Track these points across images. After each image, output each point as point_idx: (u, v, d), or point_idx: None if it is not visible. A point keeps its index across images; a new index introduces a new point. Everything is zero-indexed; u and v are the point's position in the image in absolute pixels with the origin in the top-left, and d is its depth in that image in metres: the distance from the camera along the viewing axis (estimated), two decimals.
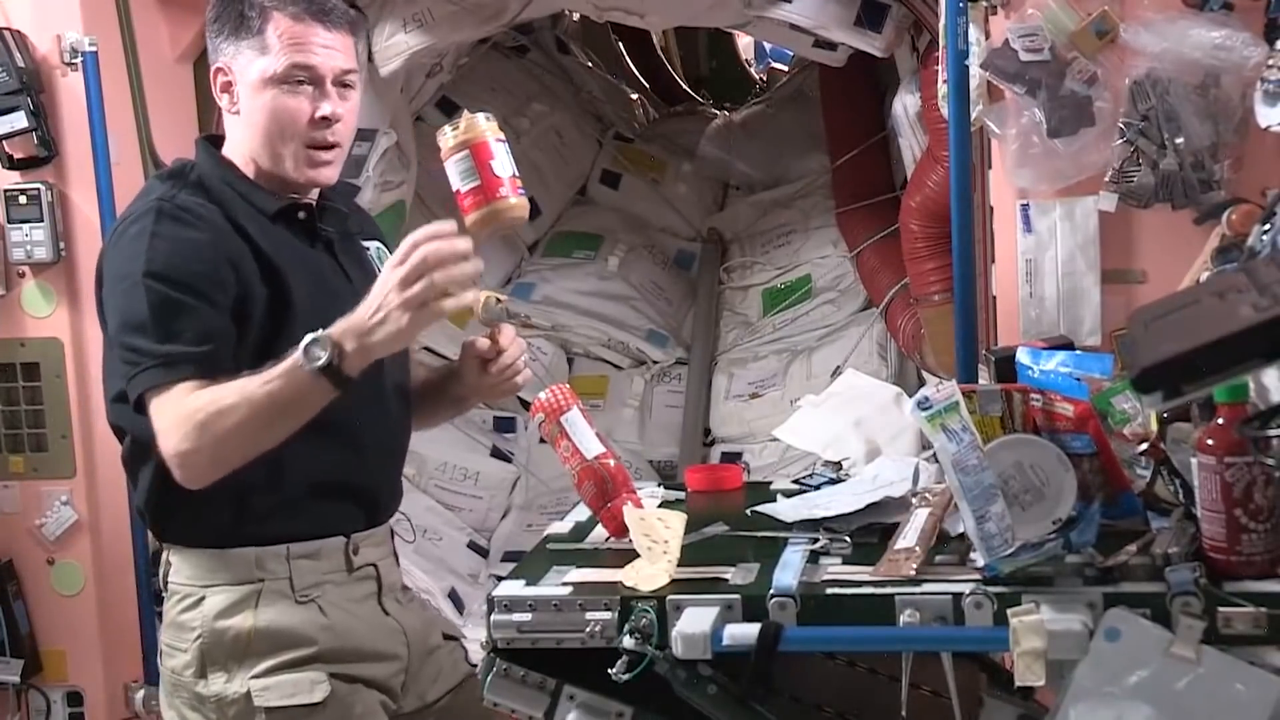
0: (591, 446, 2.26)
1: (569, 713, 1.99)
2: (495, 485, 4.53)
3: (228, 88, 2.22)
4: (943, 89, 2.80)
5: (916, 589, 1.90)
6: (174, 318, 2.05)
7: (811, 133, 5.28)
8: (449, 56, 4.54)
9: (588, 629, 1.94)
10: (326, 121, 2.18)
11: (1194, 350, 1.70)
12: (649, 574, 1.99)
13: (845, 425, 2.81)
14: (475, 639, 2.69)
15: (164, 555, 2.25)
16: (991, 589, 1.86)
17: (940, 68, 2.83)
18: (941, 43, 2.80)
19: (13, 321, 3.40)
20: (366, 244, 2.37)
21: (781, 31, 3.86)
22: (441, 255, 1.92)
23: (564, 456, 2.28)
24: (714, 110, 6.32)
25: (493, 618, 1.99)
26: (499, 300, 2.23)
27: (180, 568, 2.20)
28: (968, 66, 2.72)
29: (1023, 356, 2.22)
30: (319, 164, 2.21)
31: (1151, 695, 1.78)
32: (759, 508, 2.34)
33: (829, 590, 1.94)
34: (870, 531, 2.15)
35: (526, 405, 4.27)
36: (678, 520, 2.16)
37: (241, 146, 2.22)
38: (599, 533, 2.28)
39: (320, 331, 1.96)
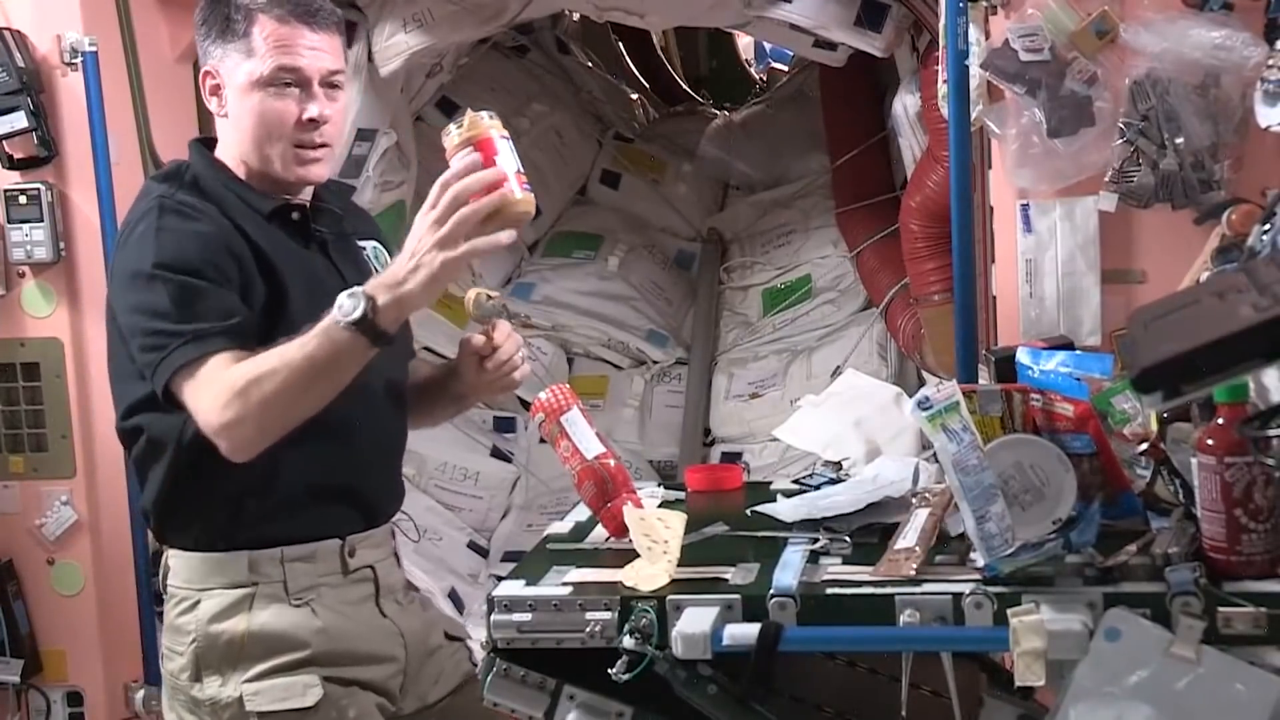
0: (591, 446, 2.26)
1: (569, 713, 1.99)
2: (495, 485, 4.52)
3: (216, 91, 2.23)
4: (943, 89, 2.80)
5: (916, 589, 1.90)
6: (194, 300, 2.06)
7: (811, 133, 5.28)
8: (449, 56, 4.54)
9: (588, 629, 1.94)
10: (314, 123, 2.18)
11: (1194, 350, 1.70)
12: (649, 574, 1.99)
13: (845, 425, 2.81)
14: (476, 639, 2.70)
15: (164, 558, 2.25)
16: (991, 589, 1.86)
17: (940, 68, 2.83)
18: (941, 43, 2.80)
19: (13, 321, 3.40)
20: (363, 243, 2.37)
21: (781, 31, 3.86)
22: (470, 188, 1.93)
23: (564, 456, 2.28)
24: (714, 110, 6.32)
25: (493, 618, 1.99)
26: (490, 297, 2.24)
27: (178, 570, 2.21)
28: (968, 66, 2.72)
29: (1023, 356, 2.22)
30: (307, 162, 2.21)
31: (1151, 695, 1.78)
32: (759, 508, 2.33)
33: (829, 590, 1.94)
34: (870, 531, 2.15)
35: (526, 405, 4.27)
36: (678, 520, 2.16)
37: (232, 149, 2.23)
38: (599, 533, 2.28)
39: (355, 288, 1.96)
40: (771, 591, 1.91)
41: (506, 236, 1.96)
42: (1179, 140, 2.61)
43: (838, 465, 2.55)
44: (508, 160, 1.98)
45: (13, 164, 3.33)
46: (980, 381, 2.50)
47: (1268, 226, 2.31)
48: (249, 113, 2.18)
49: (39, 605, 3.41)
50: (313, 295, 2.15)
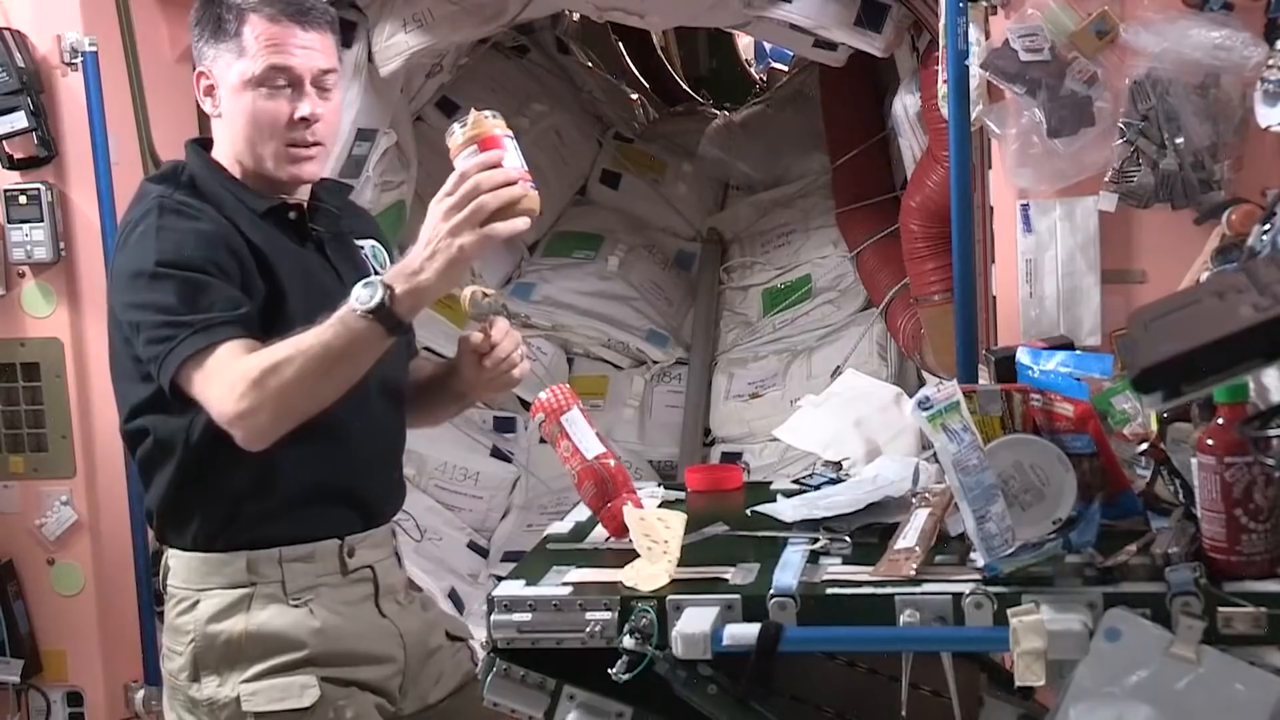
0: (591, 446, 2.26)
1: (569, 713, 1.99)
2: (495, 485, 4.52)
3: (210, 91, 2.23)
4: (943, 89, 2.80)
5: (916, 589, 1.89)
6: (199, 294, 2.06)
7: (811, 133, 5.28)
8: (449, 56, 4.54)
9: (588, 629, 1.94)
10: (306, 122, 2.18)
11: (1194, 350, 1.70)
12: (649, 574, 1.99)
13: (845, 425, 2.81)
14: (478, 639, 2.70)
15: (164, 558, 2.25)
16: (991, 589, 1.86)
17: (940, 68, 2.83)
18: (941, 43, 2.80)
19: (13, 321, 3.40)
20: (361, 242, 2.37)
21: (781, 31, 3.86)
22: (494, 180, 1.93)
23: (564, 456, 2.28)
24: (714, 110, 6.33)
25: (493, 618, 1.99)
26: (486, 294, 2.24)
27: (177, 571, 2.21)
28: (968, 66, 2.72)
29: (1023, 356, 2.22)
30: (300, 160, 2.21)
31: (1151, 695, 1.78)
32: (759, 508, 2.33)
33: (829, 590, 1.94)
34: (870, 531, 2.15)
35: (527, 405, 4.28)
36: (678, 520, 2.16)
37: (227, 148, 2.24)
38: (599, 533, 2.28)
39: (372, 276, 1.96)
40: (771, 591, 1.91)
41: (522, 223, 1.96)
42: (1179, 140, 2.61)
43: (838, 465, 2.55)
44: (513, 158, 1.98)
45: (13, 164, 3.33)
46: (980, 381, 2.50)
47: (1268, 226, 2.31)
48: (241, 112, 2.19)
49: (39, 605, 3.41)
50: (310, 294, 2.15)
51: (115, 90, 3.38)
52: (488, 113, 2.01)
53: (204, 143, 2.29)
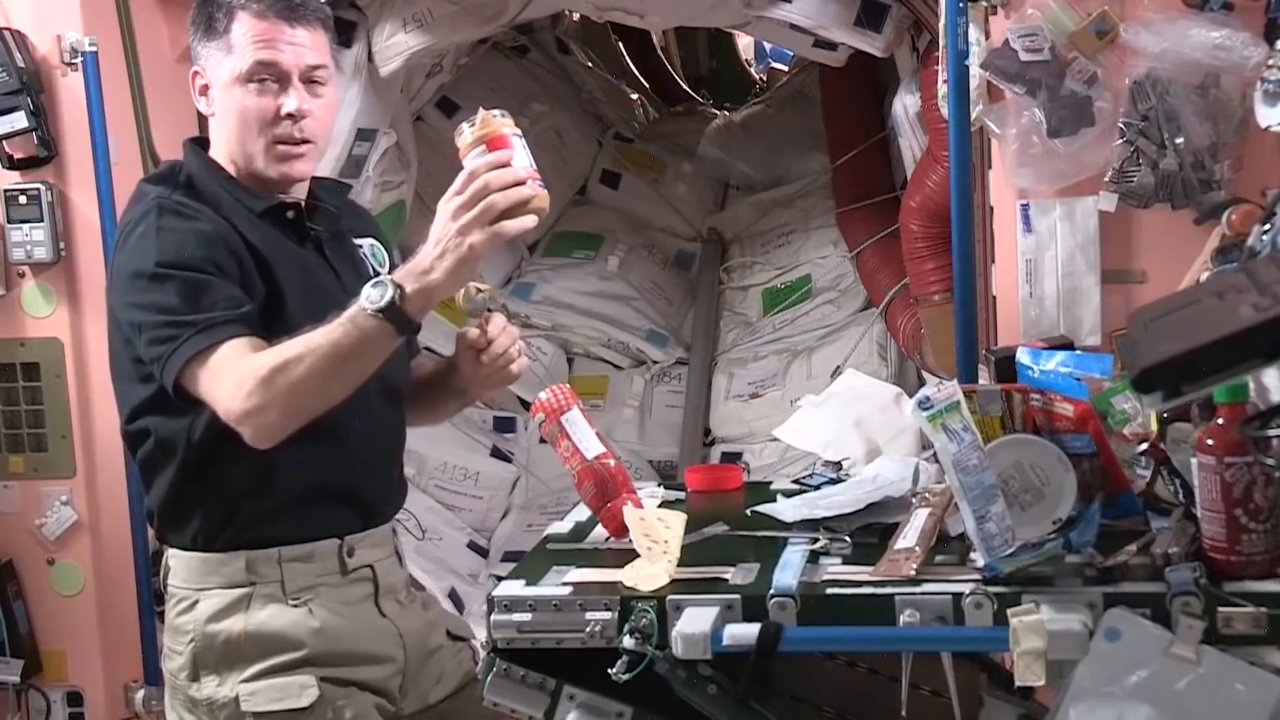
0: (591, 446, 2.26)
1: (569, 713, 1.99)
2: (495, 485, 4.52)
3: (205, 90, 2.24)
4: (943, 89, 2.80)
5: (916, 589, 1.89)
6: (201, 293, 2.06)
7: (811, 133, 5.28)
8: (449, 56, 4.54)
9: (588, 629, 1.94)
10: (293, 118, 2.18)
11: (1194, 350, 1.70)
12: (649, 574, 1.99)
13: (845, 425, 2.81)
14: (477, 638, 2.69)
15: (164, 558, 2.25)
16: (991, 589, 1.86)
17: (940, 68, 2.83)
18: (941, 43, 2.80)
19: (13, 321, 3.40)
20: (359, 241, 2.37)
21: (781, 31, 3.86)
22: (503, 179, 1.93)
23: (564, 456, 2.28)
24: (714, 110, 6.33)
25: (493, 618, 1.99)
26: (481, 290, 2.24)
27: (177, 570, 2.21)
28: (968, 66, 2.72)
29: (1023, 356, 2.22)
30: (289, 158, 2.20)
31: (1151, 695, 1.77)
32: (759, 508, 2.33)
33: (829, 590, 1.94)
34: (870, 531, 2.15)
35: (527, 405, 4.28)
36: (678, 520, 2.16)
37: (222, 148, 2.24)
38: (599, 533, 2.28)
39: (383, 275, 1.96)
40: (771, 591, 1.91)
41: (531, 221, 1.96)
42: (1179, 140, 2.61)
43: (838, 465, 2.55)
44: (522, 158, 1.98)
45: (13, 164, 3.33)
46: (980, 381, 2.50)
47: (1268, 226, 2.31)
48: (232, 110, 2.19)
49: (39, 605, 3.41)
50: (308, 294, 2.15)
51: (115, 90, 3.38)
52: (496, 112, 2.01)
53: (203, 142, 2.29)
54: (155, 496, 2.21)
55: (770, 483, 2.61)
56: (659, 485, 2.61)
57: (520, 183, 1.94)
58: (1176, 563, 1.83)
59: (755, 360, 4.77)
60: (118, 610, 3.42)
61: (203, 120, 2.32)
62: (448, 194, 1.95)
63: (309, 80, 2.21)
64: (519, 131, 2.01)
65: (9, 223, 3.32)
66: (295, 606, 2.16)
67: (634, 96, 6.32)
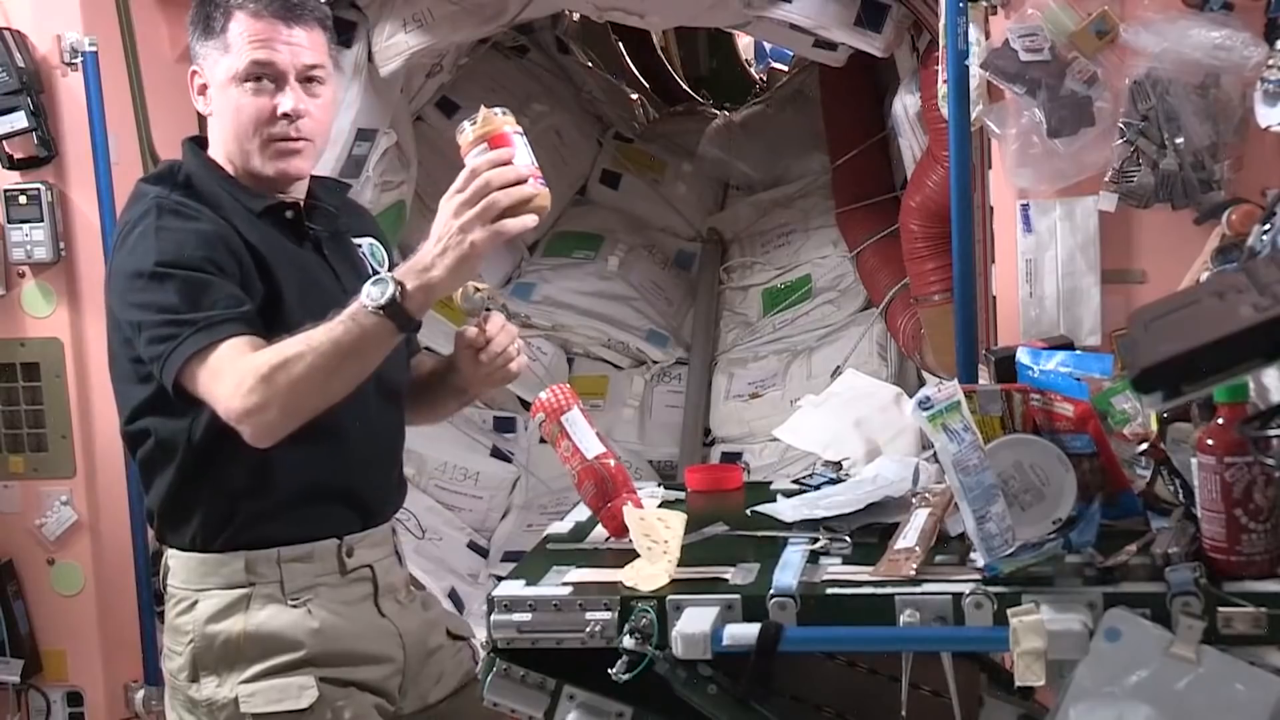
0: (592, 446, 2.26)
1: (569, 713, 1.99)
2: (495, 485, 4.52)
3: (203, 90, 2.24)
4: (943, 89, 2.80)
5: (916, 589, 1.89)
6: (201, 292, 2.06)
7: (811, 133, 5.28)
8: (449, 56, 4.54)
9: (588, 629, 1.94)
10: (289, 118, 2.18)
11: (1194, 350, 1.70)
12: (649, 574, 1.99)
13: (845, 425, 2.81)
14: (478, 638, 2.69)
15: (164, 558, 2.25)
16: (991, 589, 1.86)
17: (940, 68, 2.83)
18: (941, 43, 2.80)
19: (13, 321, 3.40)
20: (358, 240, 2.37)
21: (781, 31, 3.86)
22: (505, 177, 1.93)
23: (564, 456, 2.28)
24: (714, 110, 6.33)
25: (493, 618, 1.99)
26: (478, 289, 2.24)
27: (177, 571, 2.21)
28: (968, 66, 2.72)
29: (1023, 356, 2.22)
30: (285, 154, 2.20)
31: (1151, 695, 1.78)
32: (759, 508, 2.33)
33: (829, 590, 1.94)
34: (870, 531, 2.15)
35: (527, 405, 4.28)
36: (678, 520, 2.16)
37: (220, 147, 2.24)
38: (599, 533, 2.28)
39: (384, 272, 1.95)
40: (771, 591, 1.91)
41: (533, 220, 1.96)
42: (1179, 140, 2.61)
43: (838, 465, 2.55)
44: (523, 155, 1.98)
45: (13, 164, 3.33)
46: (980, 381, 2.50)
47: (1268, 226, 2.31)
48: (229, 109, 2.20)
49: (39, 605, 3.41)
50: (307, 294, 2.15)
51: (115, 90, 3.38)
52: (498, 110, 2.01)
53: (201, 141, 2.29)
54: (155, 497, 2.21)
55: (770, 483, 2.61)
56: (659, 485, 2.61)
57: (522, 180, 1.94)
58: (1176, 563, 1.83)
59: (755, 360, 4.77)
60: (118, 610, 3.42)
61: (203, 120, 2.32)
62: (449, 191, 1.95)
63: (306, 80, 2.21)
64: (520, 129, 2.01)
65: (9, 223, 3.32)
66: (294, 607, 2.16)
67: (634, 96, 6.32)
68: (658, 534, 2.09)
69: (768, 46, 6.91)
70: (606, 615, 1.94)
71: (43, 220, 3.31)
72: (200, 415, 2.09)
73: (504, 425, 4.70)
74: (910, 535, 2.05)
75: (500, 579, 2.19)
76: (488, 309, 2.28)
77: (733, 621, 1.90)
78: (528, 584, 2.04)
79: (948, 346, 3.15)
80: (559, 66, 5.79)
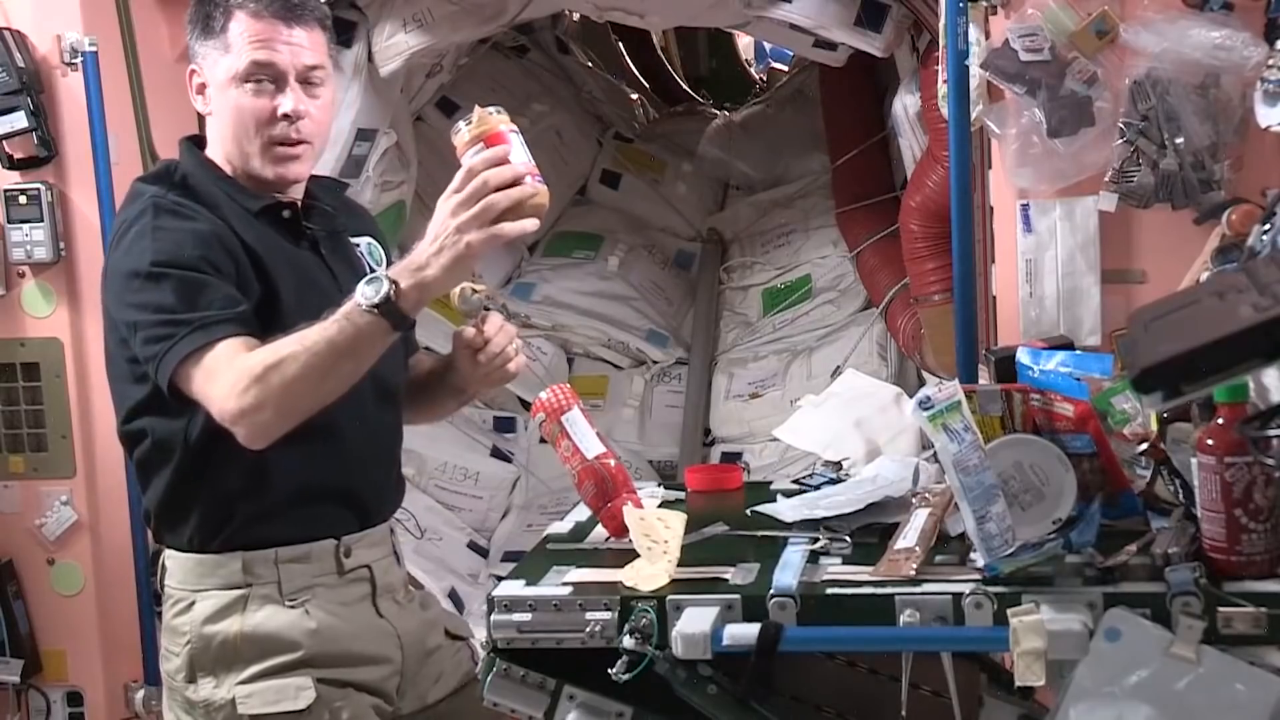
0: (592, 446, 2.26)
1: (569, 713, 1.99)
2: (495, 485, 4.52)
3: (201, 89, 2.24)
4: (943, 89, 2.80)
5: (916, 589, 1.89)
6: (197, 292, 2.05)
7: (811, 133, 5.28)
8: (449, 56, 4.54)
9: (588, 629, 1.94)
10: (289, 119, 2.18)
11: (1194, 350, 1.70)
12: (649, 574, 1.99)
13: (845, 425, 2.81)
14: (477, 638, 2.70)
15: (161, 558, 2.25)
16: (991, 589, 1.86)
17: (940, 68, 2.83)
18: (941, 43, 2.80)
19: (13, 321, 3.40)
20: (356, 240, 2.37)
21: (781, 31, 3.86)
22: (502, 177, 1.93)
23: (564, 456, 2.28)
24: (714, 110, 6.33)
25: (493, 618, 1.99)
26: (475, 290, 2.24)
27: (174, 571, 2.21)
28: (968, 66, 2.72)
29: (1023, 356, 2.22)
30: (285, 159, 2.20)
31: (1151, 695, 1.78)
32: (759, 508, 2.33)
33: (829, 590, 1.94)
34: (870, 531, 2.15)
35: (527, 405, 4.28)
36: (678, 520, 2.16)
37: (218, 147, 2.24)
38: (599, 533, 2.28)
39: (378, 271, 1.94)
40: (771, 591, 1.91)
41: (532, 224, 1.96)
42: (1179, 140, 2.61)
43: (838, 465, 2.55)
44: (519, 154, 1.98)
45: (13, 164, 3.33)
46: (980, 381, 2.50)
47: (1268, 226, 2.31)
48: (228, 109, 2.19)
49: (39, 605, 3.41)
50: (304, 294, 2.15)
51: (115, 90, 3.38)
52: (493, 109, 2.01)
53: (199, 141, 2.29)
54: (152, 497, 2.20)
55: (770, 483, 2.61)
56: (659, 485, 2.61)
57: (519, 179, 1.94)
58: (1176, 563, 1.83)
59: (755, 360, 4.77)
60: (117, 610, 3.42)
61: (203, 120, 2.32)
62: (447, 191, 1.95)
63: (306, 80, 2.21)
64: (516, 128, 2.01)
65: (9, 223, 3.32)
66: (292, 607, 2.15)
67: (634, 96, 6.32)
68: (658, 534, 2.09)
69: (768, 46, 6.91)
70: (606, 615, 1.94)
71: (43, 220, 3.31)
72: (197, 415, 2.08)
73: (504, 425, 4.70)
74: (910, 535, 2.05)
75: (500, 579, 2.19)
76: (486, 309, 2.28)
77: (733, 621, 1.90)
78: (528, 584, 2.04)
79: (948, 346, 3.16)
80: (559, 66, 5.79)
